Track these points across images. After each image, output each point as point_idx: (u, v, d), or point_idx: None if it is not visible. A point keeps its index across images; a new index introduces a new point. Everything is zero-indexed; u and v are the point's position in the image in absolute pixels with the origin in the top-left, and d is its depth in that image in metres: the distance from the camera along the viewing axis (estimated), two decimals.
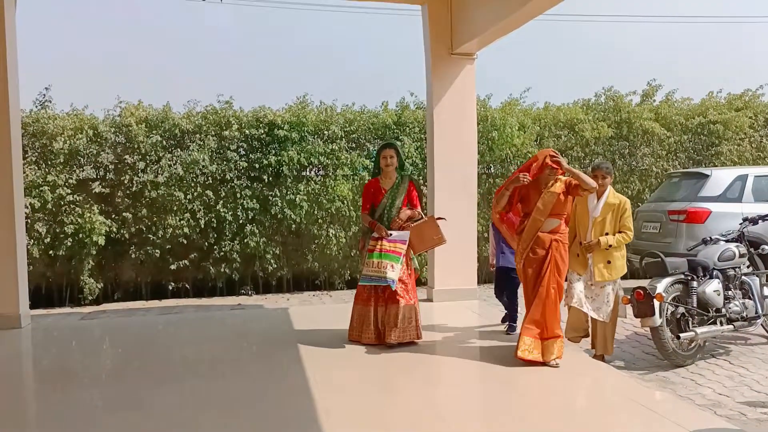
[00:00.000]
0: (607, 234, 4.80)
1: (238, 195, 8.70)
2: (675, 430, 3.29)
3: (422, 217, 5.00)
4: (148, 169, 8.44)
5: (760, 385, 4.50)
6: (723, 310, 5.11)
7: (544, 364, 4.31)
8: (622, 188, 9.67)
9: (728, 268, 5.29)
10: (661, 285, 4.84)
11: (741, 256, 5.40)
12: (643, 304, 4.77)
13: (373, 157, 5.21)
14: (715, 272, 5.18)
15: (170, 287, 8.65)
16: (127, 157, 8.42)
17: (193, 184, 8.59)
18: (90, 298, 8.32)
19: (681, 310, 4.94)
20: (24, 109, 8.11)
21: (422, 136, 8.98)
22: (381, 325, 4.84)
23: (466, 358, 4.74)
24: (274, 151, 8.79)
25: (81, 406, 3.84)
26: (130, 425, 3.47)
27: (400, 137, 9.10)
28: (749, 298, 5.37)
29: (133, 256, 8.42)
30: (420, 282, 8.68)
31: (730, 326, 5.15)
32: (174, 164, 8.52)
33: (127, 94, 13.35)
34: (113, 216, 8.40)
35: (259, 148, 8.85)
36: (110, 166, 8.45)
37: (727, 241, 5.52)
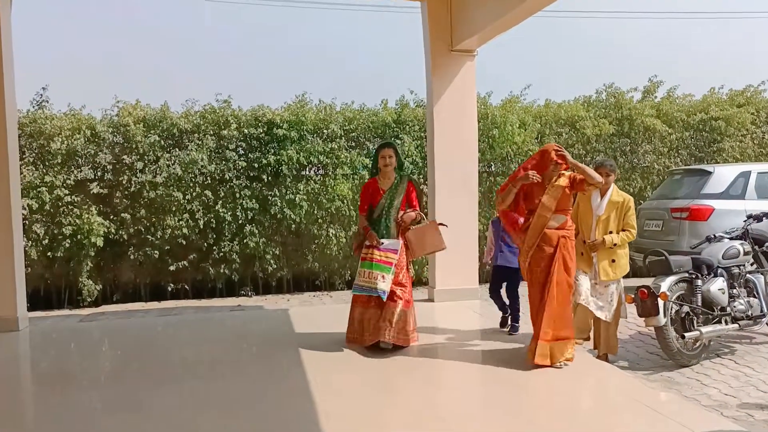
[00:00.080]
0: (611, 232, 4.75)
1: (237, 195, 8.65)
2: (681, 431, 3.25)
3: (424, 220, 4.95)
4: (147, 169, 8.39)
5: (767, 384, 4.45)
6: (728, 308, 5.05)
7: (550, 365, 4.25)
8: (623, 186, 9.61)
9: (733, 266, 5.24)
10: (665, 284, 4.79)
11: (745, 253, 5.35)
12: (647, 303, 4.72)
13: (372, 157, 5.16)
14: (719, 270, 5.13)
15: (169, 288, 8.60)
16: (125, 157, 8.37)
17: (191, 184, 8.54)
18: (89, 299, 8.27)
19: (685, 309, 4.88)
20: (21, 110, 8.07)
21: (422, 134, 8.93)
22: (380, 322, 4.75)
23: (468, 359, 4.69)
24: (273, 151, 8.74)
25: (80, 409, 3.81)
26: (130, 427, 3.45)
27: (400, 136, 9.06)
28: (754, 297, 5.32)
29: (131, 257, 8.37)
30: (421, 282, 8.70)
31: (735, 325, 5.10)
32: (172, 164, 8.47)
33: (124, 94, 13.28)
34: (111, 217, 8.35)
35: (258, 148, 8.80)
36: (108, 167, 8.40)
37: (731, 238, 5.46)
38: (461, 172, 6.93)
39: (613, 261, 4.75)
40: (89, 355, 5.42)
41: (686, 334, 4.81)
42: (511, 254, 5.25)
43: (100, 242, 8.09)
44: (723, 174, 7.94)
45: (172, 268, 8.45)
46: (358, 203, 5.27)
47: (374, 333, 4.72)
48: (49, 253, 8.04)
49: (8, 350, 5.45)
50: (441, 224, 5.00)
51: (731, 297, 5.12)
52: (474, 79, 7.05)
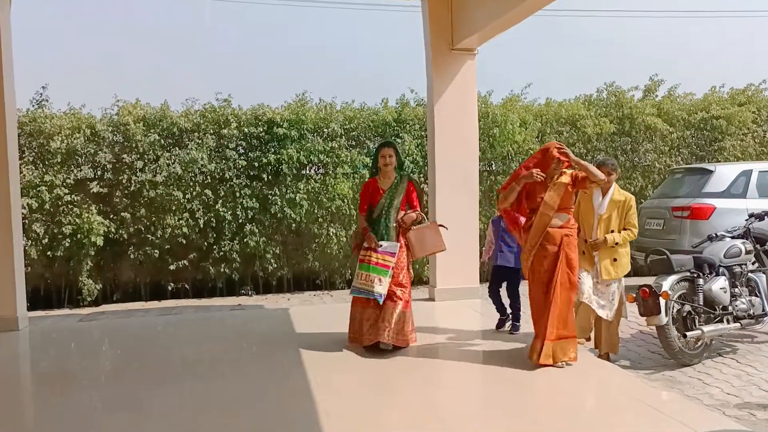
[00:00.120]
0: (612, 231, 4.73)
1: (238, 194, 8.63)
2: (683, 431, 3.23)
3: (425, 221, 4.92)
4: (147, 168, 8.37)
5: None
6: (730, 307, 5.03)
7: (552, 364, 4.23)
8: (624, 184, 9.60)
9: (734, 265, 5.22)
10: (667, 283, 4.77)
11: (747, 252, 5.33)
12: (648, 302, 4.70)
13: (372, 156, 5.13)
14: (721, 269, 5.11)
15: (169, 288, 8.59)
16: (125, 156, 8.36)
17: (191, 184, 8.52)
18: (89, 299, 8.26)
19: (687, 308, 4.86)
20: (21, 109, 8.06)
21: (423, 133, 8.91)
22: (379, 323, 4.73)
23: (468, 359, 4.67)
24: (273, 150, 8.72)
25: (80, 408, 3.80)
26: (130, 426, 3.45)
27: (401, 134, 9.04)
28: (756, 296, 5.30)
29: (131, 256, 8.36)
30: (421, 281, 8.68)
31: (737, 324, 5.08)
32: (172, 163, 8.45)
33: (124, 93, 13.24)
34: (111, 216, 8.34)
35: (258, 147, 8.78)
36: (108, 166, 8.38)
37: (733, 237, 5.45)
38: (462, 171, 6.91)
39: (615, 260, 4.74)
40: (89, 355, 5.41)
41: (688, 333, 4.79)
42: (511, 254, 5.23)
43: (100, 241, 8.07)
44: (724, 173, 7.92)
45: (172, 267, 8.44)
46: (358, 203, 5.25)
47: (373, 333, 4.69)
48: (48, 253, 8.02)
49: (8, 350, 5.44)
50: (441, 226, 4.97)
51: (733, 296, 5.10)
52: (475, 77, 7.03)
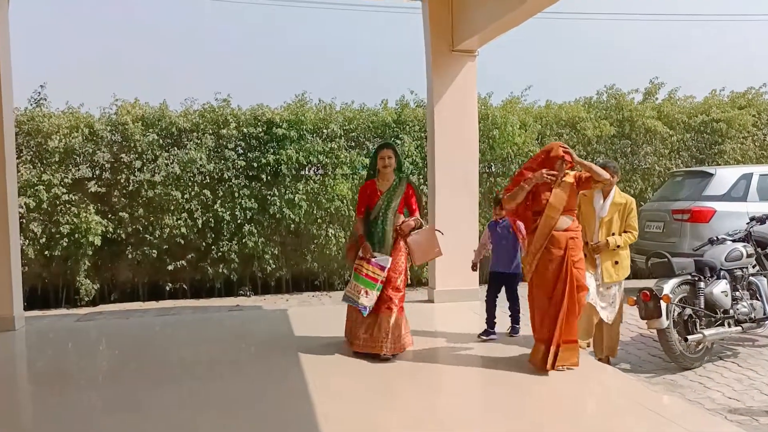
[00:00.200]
0: (613, 234, 4.71)
1: (236, 194, 8.61)
2: None
3: (423, 226, 4.86)
4: (145, 168, 8.34)
5: None
6: (731, 311, 5.02)
7: (553, 368, 4.19)
8: (624, 187, 9.58)
9: (736, 269, 5.21)
10: (668, 286, 4.75)
11: (748, 256, 5.32)
12: (649, 305, 4.68)
13: (371, 157, 5.06)
14: (722, 273, 5.09)
15: (167, 288, 8.56)
16: (123, 155, 8.33)
17: (190, 184, 8.49)
18: (86, 299, 8.22)
19: (688, 311, 4.85)
20: (18, 108, 8.03)
21: (422, 134, 8.89)
22: (375, 332, 4.67)
23: (468, 361, 4.63)
24: (272, 150, 8.70)
25: (78, 409, 3.78)
26: (128, 427, 3.43)
27: (400, 136, 9.02)
28: (757, 299, 5.28)
29: (129, 256, 8.33)
30: (420, 282, 8.65)
31: (738, 328, 5.06)
32: (171, 163, 8.43)
33: (123, 92, 13.20)
34: (109, 216, 8.31)
35: (257, 147, 8.76)
36: (106, 165, 8.36)
37: (733, 240, 5.43)
38: (462, 172, 6.89)
39: (616, 263, 4.72)
40: (86, 355, 5.38)
41: (689, 337, 4.77)
42: (508, 259, 5.19)
43: (97, 241, 8.04)
44: (725, 176, 7.90)
45: (170, 267, 8.40)
46: (356, 205, 5.18)
47: (370, 345, 4.59)
48: (46, 252, 7.99)
49: (4, 350, 5.41)
50: (437, 231, 4.91)
51: (734, 299, 5.08)
52: (475, 79, 7.01)
